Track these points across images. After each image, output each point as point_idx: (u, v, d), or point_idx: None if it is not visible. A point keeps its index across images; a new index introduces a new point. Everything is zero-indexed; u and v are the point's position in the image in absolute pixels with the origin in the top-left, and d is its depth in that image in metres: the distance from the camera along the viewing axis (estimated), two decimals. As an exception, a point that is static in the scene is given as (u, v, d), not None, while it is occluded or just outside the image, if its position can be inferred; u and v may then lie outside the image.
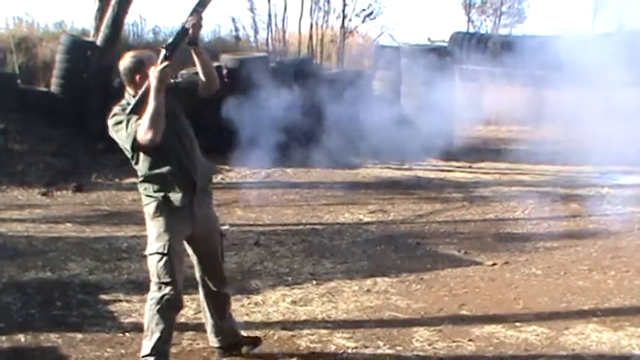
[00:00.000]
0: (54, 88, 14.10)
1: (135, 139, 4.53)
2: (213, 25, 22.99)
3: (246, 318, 6.08)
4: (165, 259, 4.66)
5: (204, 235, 4.92)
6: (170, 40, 4.66)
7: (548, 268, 7.86)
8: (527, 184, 13.03)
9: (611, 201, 11.46)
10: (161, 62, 4.56)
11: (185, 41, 4.71)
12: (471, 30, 24.31)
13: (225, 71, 14.62)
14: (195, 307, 6.08)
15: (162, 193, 4.70)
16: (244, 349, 5.23)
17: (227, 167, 13.28)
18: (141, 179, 4.76)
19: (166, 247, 4.66)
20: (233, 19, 22.95)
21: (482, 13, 26.91)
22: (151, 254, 4.73)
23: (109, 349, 5.31)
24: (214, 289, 5.05)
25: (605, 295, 6.90)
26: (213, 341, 5.19)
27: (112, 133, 4.66)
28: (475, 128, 20.80)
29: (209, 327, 5.16)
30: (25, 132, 12.76)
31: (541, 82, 16.68)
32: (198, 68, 4.82)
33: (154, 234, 4.71)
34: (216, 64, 15.21)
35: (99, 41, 14.25)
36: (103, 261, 7.65)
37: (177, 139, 4.71)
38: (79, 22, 20.27)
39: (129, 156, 4.72)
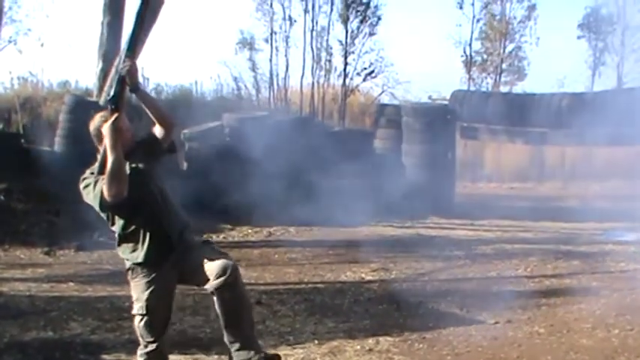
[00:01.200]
0: (57, 147, 14.19)
1: (102, 198, 4.56)
2: (215, 85, 23.22)
3: (247, 378, 6.04)
4: (145, 319, 4.77)
5: (191, 259, 4.87)
6: (111, 92, 4.72)
7: (551, 326, 7.83)
8: (529, 242, 13.01)
9: (615, 258, 11.43)
10: (110, 117, 4.59)
11: (126, 90, 4.75)
12: (472, 88, 24.51)
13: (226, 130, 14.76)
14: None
15: (135, 255, 4.73)
16: None
17: (229, 226, 13.30)
18: (117, 240, 4.80)
19: (144, 308, 4.75)
20: (235, 79, 23.18)
21: (482, 70, 27.13)
22: (133, 315, 4.84)
23: (110, 411, 5.29)
24: (221, 288, 4.85)
25: (609, 354, 6.85)
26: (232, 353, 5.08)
27: (84, 196, 4.70)
28: (477, 185, 20.90)
29: (225, 337, 5.05)
30: (27, 191, 12.81)
31: (542, 139, 16.76)
32: (148, 112, 4.85)
33: (135, 296, 4.82)
34: (217, 122, 15.38)
35: (102, 101, 14.38)
36: (104, 320, 7.63)
37: (148, 196, 4.75)
38: (83, 81, 20.46)
39: (104, 218, 4.76)
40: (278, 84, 23.05)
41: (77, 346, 6.79)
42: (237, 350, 5.00)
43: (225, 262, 4.89)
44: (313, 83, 22.97)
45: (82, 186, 4.71)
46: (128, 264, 4.82)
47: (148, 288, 4.75)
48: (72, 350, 6.66)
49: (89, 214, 12.14)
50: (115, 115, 4.60)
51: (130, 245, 4.76)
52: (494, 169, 22.17)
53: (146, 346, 4.78)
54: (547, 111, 15.65)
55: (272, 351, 5.26)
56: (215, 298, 4.91)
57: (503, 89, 25.37)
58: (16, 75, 20.66)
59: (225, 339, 5.03)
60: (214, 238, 12.39)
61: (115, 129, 4.55)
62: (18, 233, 11.77)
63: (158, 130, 4.88)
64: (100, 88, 14.97)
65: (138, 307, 4.76)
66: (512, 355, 6.86)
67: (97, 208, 4.63)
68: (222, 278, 4.81)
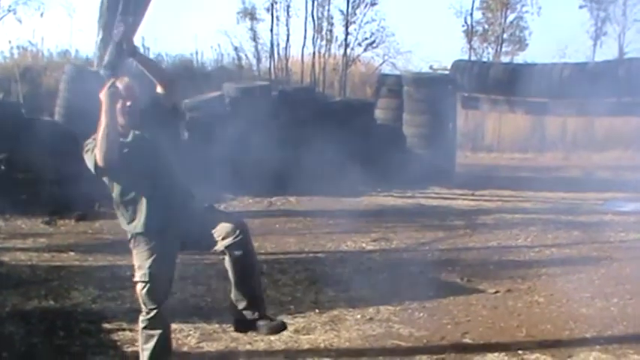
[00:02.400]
0: (57, 117, 14.16)
1: (95, 163, 4.59)
2: (216, 55, 23.12)
3: (248, 347, 6.08)
4: (147, 287, 4.78)
5: (195, 225, 4.83)
6: (107, 58, 4.71)
7: (551, 295, 7.86)
8: (529, 212, 13.04)
9: (615, 228, 11.47)
10: (106, 83, 4.60)
11: (124, 55, 4.73)
12: (473, 58, 24.40)
13: (226, 100, 14.73)
14: (197, 336, 6.11)
15: (133, 226, 4.76)
16: (260, 329, 5.05)
17: (231, 196, 13.31)
18: (115, 207, 4.84)
19: (147, 275, 4.77)
20: (236, 48, 23.06)
21: (483, 41, 26.98)
22: (135, 282, 4.85)
23: (111, 378, 5.32)
24: (236, 252, 4.81)
25: (608, 323, 6.90)
26: (234, 311, 5.08)
27: (85, 162, 4.70)
28: (477, 155, 20.88)
29: (232, 294, 5.02)
30: (28, 161, 12.79)
31: (543, 109, 16.70)
32: (148, 74, 4.86)
33: (137, 263, 4.83)
34: (217, 92, 15.33)
35: (102, 70, 14.32)
36: (105, 289, 7.65)
37: (150, 164, 4.73)
38: (83, 50, 20.35)
39: (106, 184, 4.77)
40: (279, 54, 22.95)
41: (78, 315, 6.82)
42: (243, 309, 4.99)
43: (236, 221, 4.88)
44: (314, 53, 22.86)
45: (84, 151, 4.71)
46: (127, 233, 4.84)
47: (150, 256, 4.76)
48: (73, 319, 6.67)
49: (90, 184, 12.19)
50: (112, 81, 4.60)
51: (127, 214, 4.76)
52: (495, 140, 22.16)
53: (148, 313, 4.81)
54: (548, 81, 15.52)
55: (278, 317, 5.22)
56: (226, 257, 4.88)
57: (504, 59, 25.25)
58: (16, 44, 20.57)
59: (233, 296, 4.99)
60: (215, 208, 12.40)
61: (110, 95, 4.57)
62: (19, 203, 11.76)
63: (160, 91, 4.87)
64: (101, 58, 14.90)
65: (140, 275, 4.78)
66: (512, 324, 6.90)
67: (92, 171, 4.64)
68: (232, 237, 4.78)
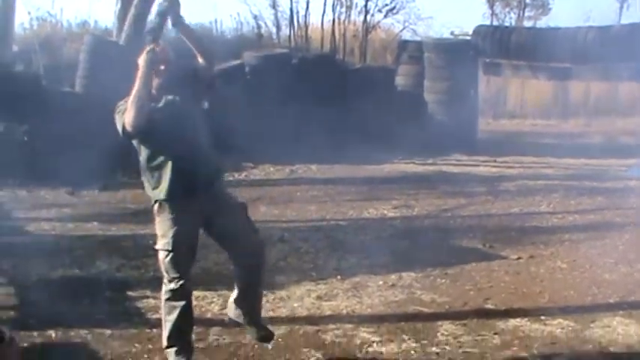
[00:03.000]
0: (78, 88, 14.20)
1: (124, 126, 4.57)
2: (235, 23, 23.03)
3: (271, 313, 6.10)
4: (170, 255, 4.74)
5: (221, 216, 4.87)
6: (149, 26, 4.71)
7: (574, 261, 7.84)
8: (552, 178, 12.98)
9: (639, 194, 11.38)
10: (144, 48, 4.61)
11: (166, 24, 4.72)
12: (495, 23, 24.17)
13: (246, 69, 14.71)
14: (220, 303, 6.14)
15: (157, 192, 4.74)
16: (250, 334, 5.15)
17: (251, 164, 13.33)
18: (141, 172, 4.83)
19: (171, 244, 4.73)
20: (255, 17, 22.95)
21: (506, 5, 26.74)
22: (158, 250, 4.83)
23: (136, 345, 5.37)
24: (254, 262, 4.99)
25: (631, 289, 6.88)
26: (230, 310, 5.19)
27: (115, 123, 4.72)
28: (499, 122, 20.76)
29: (233, 295, 5.14)
30: (50, 132, 12.85)
31: (566, 74, 16.53)
32: (189, 44, 4.83)
33: (160, 231, 4.78)
34: (238, 61, 15.30)
35: (122, 41, 14.33)
36: (129, 258, 7.70)
37: (179, 131, 4.69)
38: (102, 21, 20.31)
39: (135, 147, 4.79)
40: (298, 21, 22.76)
41: (103, 283, 6.87)
42: (240, 314, 5.14)
43: (260, 243, 5.10)
44: (334, 20, 22.67)
45: (115, 112, 4.72)
46: (151, 200, 4.82)
47: (174, 225, 4.72)
48: (98, 287, 6.73)
49: (112, 154, 12.25)
50: (152, 46, 4.60)
51: (153, 180, 4.74)
52: (517, 106, 22.01)
53: (170, 282, 4.78)
54: (572, 45, 15.32)
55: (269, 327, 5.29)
56: (239, 273, 5.05)
57: (527, 24, 25.01)
58: (35, 15, 20.57)
59: (233, 301, 5.15)
60: (236, 176, 12.46)
61: (148, 60, 4.58)
62: (42, 174, 11.83)
63: (201, 62, 4.86)
64: (119, 29, 14.90)
65: (163, 243, 4.75)
66: (535, 290, 6.89)
67: (120, 134, 4.64)
68: (251, 259, 4.97)
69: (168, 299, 4.82)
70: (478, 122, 17.14)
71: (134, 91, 4.53)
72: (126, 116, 4.52)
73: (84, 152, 12.39)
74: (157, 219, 4.80)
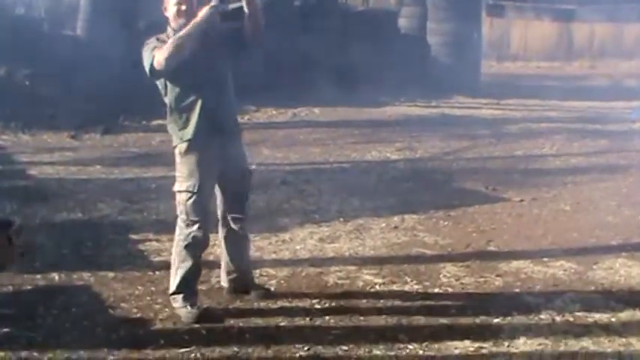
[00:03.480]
0: (79, 32, 14.09)
1: (152, 64, 4.56)
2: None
3: (274, 256, 6.13)
4: (194, 197, 4.71)
5: (233, 173, 4.90)
6: None
7: (577, 203, 7.84)
8: (555, 121, 12.95)
9: (643, 137, 11.37)
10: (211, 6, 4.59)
11: None
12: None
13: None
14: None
15: (185, 132, 4.71)
16: (252, 295, 5.15)
17: (253, 107, 13.26)
18: (168, 112, 4.78)
19: (196, 186, 4.70)
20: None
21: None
22: (180, 191, 4.77)
23: (139, 287, 5.38)
24: (235, 228, 5.03)
25: (634, 230, 6.88)
26: (224, 279, 5.22)
27: (142, 58, 4.69)
28: (503, 64, 20.63)
29: (223, 264, 5.18)
30: (52, 76, 12.79)
31: (570, 15, 16.37)
32: (245, 6, 4.68)
33: (185, 172, 4.73)
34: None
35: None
36: (132, 202, 7.70)
37: (211, 75, 4.70)
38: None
39: (159, 87, 4.75)
40: (300, -37, 22.53)
41: (106, 227, 6.88)
42: (234, 279, 5.17)
43: (247, 203, 5.11)
44: (336, -38, 22.42)
45: (143, 49, 4.68)
46: (177, 141, 4.77)
47: (200, 166, 4.69)
48: (101, 230, 6.74)
49: (114, 98, 12.19)
50: (216, 5, 4.62)
51: (181, 121, 4.71)
52: (520, 48, 21.82)
53: (190, 225, 4.74)
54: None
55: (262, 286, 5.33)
56: (225, 228, 5.06)
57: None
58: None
59: (225, 266, 5.17)
60: (239, 119, 12.38)
61: (208, 17, 4.58)
62: (44, 118, 11.81)
63: (247, 25, 4.74)
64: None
65: (188, 185, 4.70)
66: (538, 232, 6.89)
67: (146, 69, 4.61)
68: (240, 213, 5.03)
69: (187, 246, 4.77)
70: (481, 65, 17.02)
71: (180, 36, 4.52)
72: (159, 54, 4.50)
73: (86, 96, 12.38)
74: (181, 160, 4.76)
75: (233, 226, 5.03)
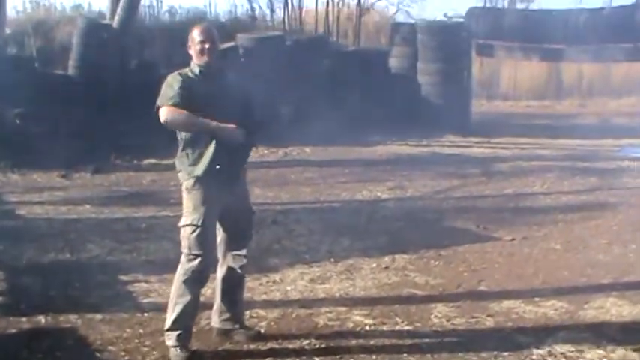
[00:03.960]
0: (71, 70, 14.12)
1: (159, 105, 4.70)
2: (229, 5, 22.92)
3: (264, 296, 6.09)
4: (199, 231, 4.75)
5: (238, 212, 4.95)
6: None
7: (568, 242, 7.83)
8: (546, 159, 12.99)
9: (632, 174, 11.42)
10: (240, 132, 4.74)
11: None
12: (488, 5, 24.08)
13: (240, 51, 14.62)
14: (213, 287, 6.09)
15: (196, 168, 4.77)
16: (242, 337, 5.12)
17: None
18: (180, 147, 4.83)
19: (201, 220, 4.75)
20: (249, -1, 22.81)
21: (499, -13, 26.64)
22: (185, 226, 4.81)
23: (127, 329, 5.33)
24: (235, 266, 5.04)
25: (625, 269, 6.86)
26: (215, 321, 5.18)
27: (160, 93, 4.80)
28: (493, 103, 20.74)
29: (216, 305, 5.15)
30: (43, 115, 12.79)
31: (559, 55, 16.50)
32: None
33: (191, 206, 4.79)
34: (231, 43, 15.21)
35: (115, 23, 14.25)
36: (121, 242, 7.66)
37: (227, 113, 4.75)
38: (96, 4, 20.20)
39: None
40: (292, 4, 22.66)
41: (95, 267, 6.83)
42: (226, 319, 5.14)
43: (247, 245, 5.14)
44: (328, 2, 22.54)
45: (164, 83, 4.79)
46: (185, 177, 4.81)
47: (206, 202, 4.75)
48: (89, 271, 6.69)
49: (105, 137, 12.16)
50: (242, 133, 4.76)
51: (192, 156, 4.78)
52: (510, 87, 21.99)
53: (192, 260, 4.76)
54: (564, 27, 15.30)
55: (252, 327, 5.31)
56: (223, 268, 5.08)
57: (520, 6, 24.92)
58: (29, -1, 20.40)
59: (217, 306, 5.14)
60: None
61: (230, 136, 4.73)
62: (34, 157, 11.78)
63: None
64: (113, 11, 14.81)
65: (193, 219, 4.75)
66: (529, 270, 6.87)
67: (156, 107, 4.75)
68: (242, 254, 5.06)
69: (185, 280, 4.79)
70: (471, 104, 17.11)
71: (198, 123, 4.69)
72: (168, 112, 4.66)
73: (77, 135, 12.37)
74: (188, 196, 4.82)
75: (233, 264, 5.04)
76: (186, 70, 4.86)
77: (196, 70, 4.82)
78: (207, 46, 4.81)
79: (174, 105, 4.66)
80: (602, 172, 11.65)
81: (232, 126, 4.69)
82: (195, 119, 4.65)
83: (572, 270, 6.87)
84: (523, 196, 10.20)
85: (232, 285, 5.09)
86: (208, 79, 4.83)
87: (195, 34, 4.85)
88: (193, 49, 4.86)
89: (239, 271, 5.06)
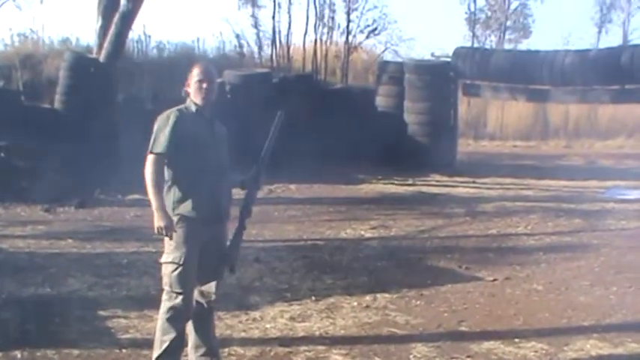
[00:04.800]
0: (57, 104, 14.14)
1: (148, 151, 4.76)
2: (218, 42, 23.04)
3: (243, 334, 6.05)
4: (180, 269, 4.77)
5: (214, 251, 4.94)
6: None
7: (550, 283, 7.83)
8: (530, 200, 13.02)
9: (616, 216, 11.44)
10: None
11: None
12: (476, 45, 24.29)
13: (227, 87, 14.67)
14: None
15: (184, 207, 4.79)
16: None
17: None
18: (166, 185, 4.83)
19: (182, 259, 4.76)
20: (237, 36, 23.00)
21: (486, 28, 26.94)
22: (166, 263, 4.83)
23: (104, 366, 5.29)
24: (205, 304, 5.01)
25: (606, 311, 6.86)
26: (192, 357, 5.13)
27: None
28: (479, 143, 20.84)
29: (191, 340, 5.09)
30: (28, 149, 12.78)
31: (545, 96, 16.60)
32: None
33: (173, 244, 4.79)
34: (219, 79, 15.29)
35: (102, 58, 14.29)
36: (102, 277, 7.62)
37: (211, 161, 4.86)
38: (84, 38, 20.26)
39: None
40: (280, 41, 22.85)
41: (74, 302, 6.78)
42: (202, 355, 5.07)
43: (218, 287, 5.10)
44: (316, 40, 22.75)
45: (159, 119, 4.83)
46: (169, 214, 4.80)
47: (189, 240, 4.78)
48: (69, 306, 6.64)
49: (90, 172, 12.13)
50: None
51: (179, 194, 4.80)
52: (497, 127, 22.11)
53: (173, 298, 4.77)
54: (550, 68, 15.41)
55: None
56: (195, 309, 5.01)
57: (508, 47, 25.16)
58: (17, 32, 20.53)
59: (192, 342, 5.07)
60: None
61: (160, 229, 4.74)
62: (18, 191, 11.76)
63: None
64: (100, 45, 14.86)
65: (175, 257, 4.77)
66: (510, 312, 6.86)
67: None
68: (213, 291, 5.02)
69: (169, 318, 4.80)
70: (458, 143, 17.18)
71: (150, 189, 4.76)
72: (147, 167, 4.75)
73: (61, 169, 12.35)
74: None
75: (200, 299, 5.00)
76: (183, 107, 4.91)
77: (192, 108, 4.89)
78: (205, 85, 4.88)
79: (160, 154, 4.72)
80: (586, 213, 11.68)
81: (168, 219, 4.71)
82: (153, 187, 4.72)
83: (554, 311, 6.87)
84: (507, 236, 10.21)
85: (201, 319, 5.04)
86: (203, 118, 4.90)
87: (195, 73, 4.91)
88: (192, 87, 4.91)
89: (206, 306, 5.02)
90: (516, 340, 6.01)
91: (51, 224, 10.39)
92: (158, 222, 4.68)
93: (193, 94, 4.90)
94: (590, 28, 26.27)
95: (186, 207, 4.78)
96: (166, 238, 4.79)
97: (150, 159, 4.74)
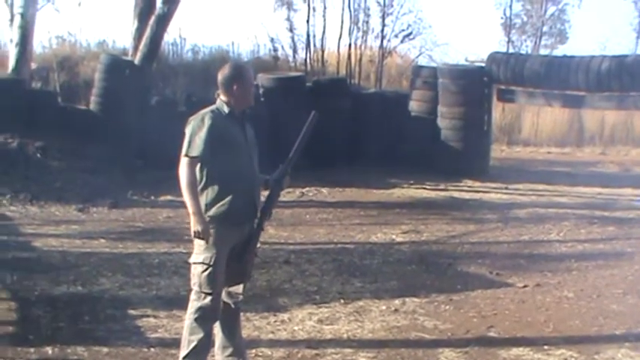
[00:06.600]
0: (93, 106, 14.30)
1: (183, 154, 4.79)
2: (252, 46, 23.12)
3: (271, 336, 6.08)
4: (210, 270, 4.80)
5: (243, 252, 4.97)
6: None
7: (581, 290, 7.76)
8: (563, 206, 12.88)
9: (651, 224, 11.30)
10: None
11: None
12: (511, 51, 24.12)
13: (261, 90, 14.72)
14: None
15: (219, 209, 4.81)
16: None
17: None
18: (201, 185, 4.84)
19: (213, 259, 4.80)
20: (272, 39, 23.02)
21: (522, 33, 26.71)
22: (196, 263, 4.86)
23: (133, 364, 5.34)
24: (232, 304, 5.03)
25: (639, 320, 6.78)
26: (219, 357, 5.16)
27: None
28: (513, 149, 20.69)
29: (218, 340, 5.12)
30: (64, 149, 12.95)
31: (581, 102, 16.42)
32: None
33: (203, 245, 4.81)
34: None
35: (137, 60, 14.43)
36: (133, 276, 7.70)
37: (242, 160, 4.90)
38: (120, 41, 20.46)
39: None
40: (315, 45, 22.84)
41: (105, 301, 6.86)
42: (229, 355, 5.09)
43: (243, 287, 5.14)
44: (350, 44, 22.73)
45: (193, 118, 4.86)
46: (206, 213, 4.84)
47: (220, 240, 4.80)
48: (99, 305, 6.73)
49: (124, 173, 12.23)
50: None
51: (211, 195, 4.82)
52: (531, 133, 21.90)
53: (202, 298, 4.81)
54: (586, 73, 15.23)
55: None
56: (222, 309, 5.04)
57: (544, 52, 24.94)
58: (54, 34, 20.73)
59: (220, 342, 5.10)
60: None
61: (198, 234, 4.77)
62: (53, 190, 11.90)
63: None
64: (135, 48, 15.01)
65: (205, 257, 4.80)
66: (540, 319, 6.81)
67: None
68: (241, 290, 5.07)
69: (197, 318, 4.83)
70: (491, 149, 17.06)
71: (185, 192, 4.76)
72: (182, 167, 4.77)
73: (96, 170, 12.50)
74: None
75: (228, 300, 5.03)
76: (215, 108, 4.92)
77: (225, 109, 4.89)
78: (234, 87, 4.89)
79: (195, 158, 4.74)
80: (620, 221, 11.55)
81: (205, 223, 4.73)
82: (190, 192, 4.73)
83: (584, 319, 6.81)
84: (539, 242, 10.13)
85: (228, 319, 5.07)
86: (236, 120, 4.93)
87: (231, 74, 4.92)
88: (226, 89, 4.92)
89: (233, 306, 5.04)
90: (546, 347, 5.98)
91: (84, 224, 10.49)
92: (195, 226, 4.72)
93: (228, 96, 4.90)
94: (628, 34, 25.85)
95: (220, 209, 4.81)
96: (197, 240, 4.82)
97: (185, 162, 4.75)
